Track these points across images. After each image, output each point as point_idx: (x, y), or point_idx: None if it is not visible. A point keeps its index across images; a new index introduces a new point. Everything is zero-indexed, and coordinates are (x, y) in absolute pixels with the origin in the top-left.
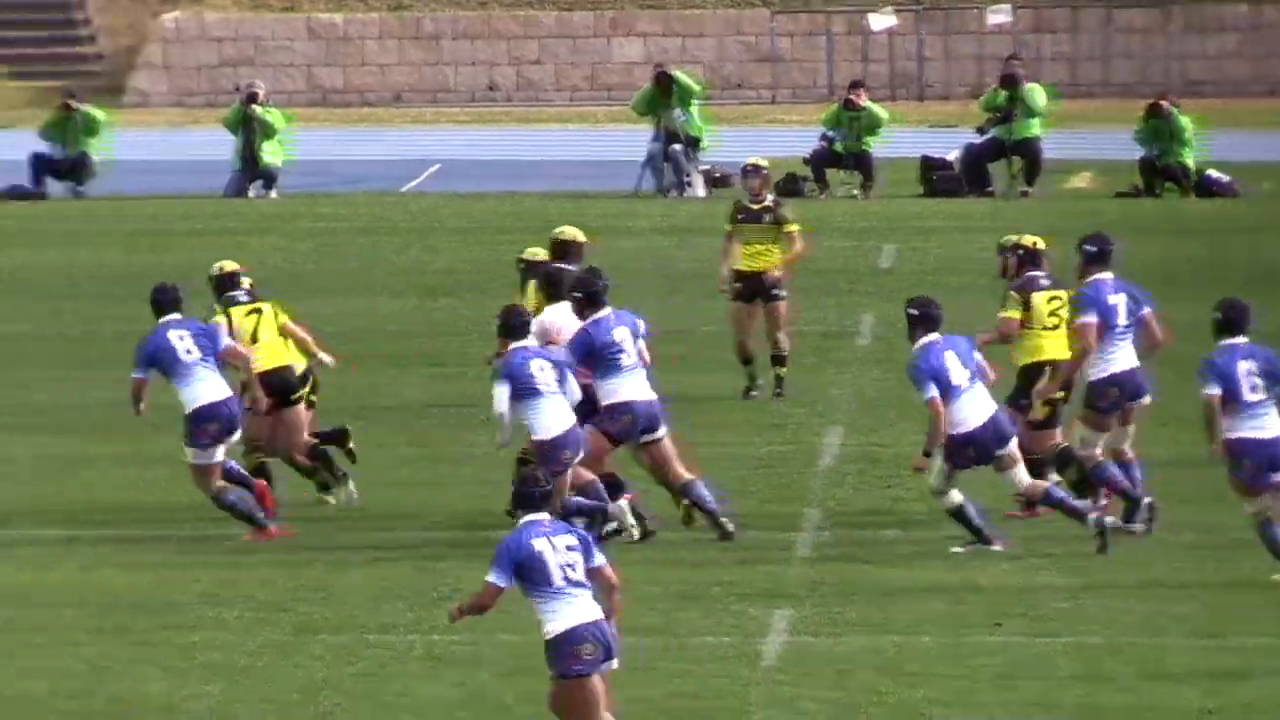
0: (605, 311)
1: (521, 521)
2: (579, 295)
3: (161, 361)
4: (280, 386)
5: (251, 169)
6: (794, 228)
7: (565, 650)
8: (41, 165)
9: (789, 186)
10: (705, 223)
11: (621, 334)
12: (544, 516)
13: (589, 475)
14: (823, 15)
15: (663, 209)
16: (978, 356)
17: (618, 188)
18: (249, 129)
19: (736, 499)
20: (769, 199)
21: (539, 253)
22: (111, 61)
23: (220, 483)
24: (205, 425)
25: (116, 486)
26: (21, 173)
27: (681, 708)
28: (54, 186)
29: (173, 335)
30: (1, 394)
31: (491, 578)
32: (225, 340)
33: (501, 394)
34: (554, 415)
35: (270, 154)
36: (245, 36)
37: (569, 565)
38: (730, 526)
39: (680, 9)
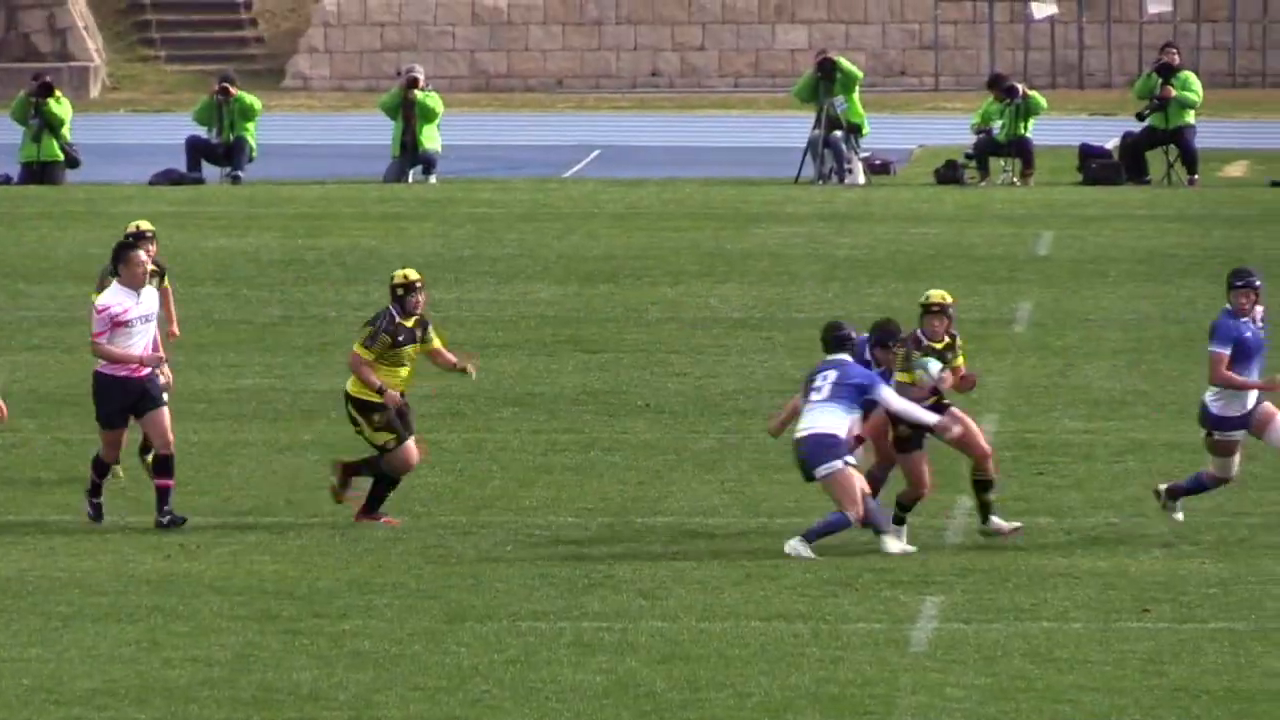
0: None
1: None
2: None
3: None
4: None
5: (411, 154)
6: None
7: None
8: (197, 150)
9: (948, 174)
10: (865, 210)
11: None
12: None
13: None
14: (985, 3)
15: (823, 196)
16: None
17: (779, 175)
18: (409, 114)
19: (890, 484)
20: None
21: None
22: (272, 45)
23: None
24: None
25: (268, 473)
26: (178, 158)
27: (831, 694)
28: (210, 171)
29: None
30: None
31: None
32: None
33: None
34: (807, 418)
35: (430, 139)
36: (408, 21)
37: None
38: None
39: None
